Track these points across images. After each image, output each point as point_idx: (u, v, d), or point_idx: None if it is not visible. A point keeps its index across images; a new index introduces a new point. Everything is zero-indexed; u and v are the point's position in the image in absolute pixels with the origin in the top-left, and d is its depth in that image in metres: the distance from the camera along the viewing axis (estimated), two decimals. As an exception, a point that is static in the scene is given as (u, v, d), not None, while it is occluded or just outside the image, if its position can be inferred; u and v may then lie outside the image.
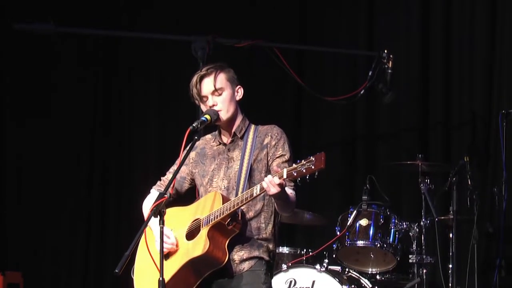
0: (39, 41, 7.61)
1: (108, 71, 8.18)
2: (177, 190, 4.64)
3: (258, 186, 4.20)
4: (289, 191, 4.36)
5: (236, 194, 4.38)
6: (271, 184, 4.11)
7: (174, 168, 4.67)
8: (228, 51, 6.46)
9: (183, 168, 4.61)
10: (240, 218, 4.38)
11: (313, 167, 4.02)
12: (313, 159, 4.02)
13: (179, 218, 4.49)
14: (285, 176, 4.09)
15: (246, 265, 4.40)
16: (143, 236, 4.31)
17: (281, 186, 4.12)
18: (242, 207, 4.36)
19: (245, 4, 7.83)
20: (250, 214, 4.44)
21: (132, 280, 4.58)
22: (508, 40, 7.06)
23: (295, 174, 4.06)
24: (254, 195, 4.22)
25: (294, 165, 4.08)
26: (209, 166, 4.56)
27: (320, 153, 4.03)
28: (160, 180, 4.74)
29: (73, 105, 8.12)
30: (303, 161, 4.06)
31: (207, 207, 4.39)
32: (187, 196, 4.72)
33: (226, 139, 4.57)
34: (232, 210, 4.27)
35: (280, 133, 4.52)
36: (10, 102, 8.16)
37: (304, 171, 4.04)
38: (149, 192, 4.76)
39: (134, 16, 8.09)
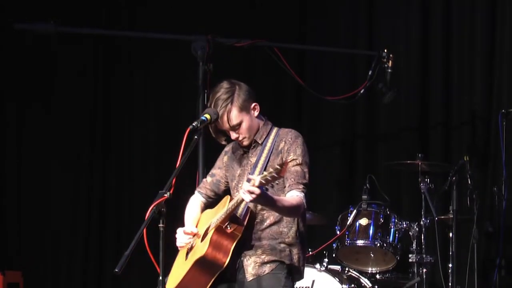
0: (39, 41, 7.63)
1: (107, 71, 8.18)
2: (215, 192, 4.77)
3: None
4: (296, 193, 4.41)
5: None
6: (244, 190, 4.15)
7: (212, 171, 4.80)
8: (228, 51, 6.46)
9: (218, 171, 4.74)
10: (245, 222, 4.43)
11: (276, 175, 4.04)
12: (279, 167, 4.03)
13: (204, 218, 4.65)
14: (257, 184, 4.10)
15: (267, 268, 4.44)
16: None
17: (254, 192, 4.12)
18: (263, 212, 4.47)
19: (245, 4, 7.83)
20: (272, 219, 4.50)
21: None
22: (508, 40, 7.06)
23: (263, 181, 4.08)
24: (238, 201, 4.29)
25: (264, 172, 4.10)
26: (235, 171, 4.65)
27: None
28: (202, 181, 4.87)
29: (73, 105, 8.13)
30: (270, 168, 4.08)
31: (219, 210, 4.50)
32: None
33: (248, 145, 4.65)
34: (227, 214, 4.35)
35: (294, 138, 4.55)
36: (10, 99, 8.18)
37: (270, 178, 4.06)
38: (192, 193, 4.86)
39: (134, 15, 8.10)
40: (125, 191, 8.05)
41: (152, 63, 8.06)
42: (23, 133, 8.17)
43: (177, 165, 4.37)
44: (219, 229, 4.37)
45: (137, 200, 7.80)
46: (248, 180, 4.16)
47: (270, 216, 4.49)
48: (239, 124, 4.51)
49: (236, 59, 7.25)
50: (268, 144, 4.55)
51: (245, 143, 4.60)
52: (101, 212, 8.10)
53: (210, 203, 4.76)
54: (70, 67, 8.13)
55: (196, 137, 4.37)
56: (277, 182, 4.25)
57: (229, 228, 4.38)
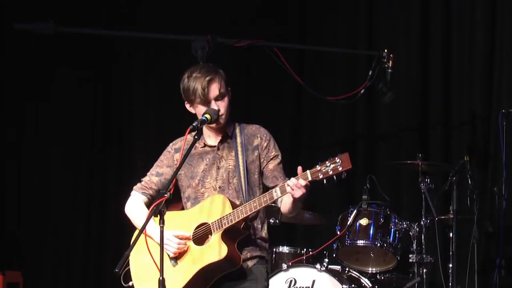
0: (39, 41, 7.63)
1: (107, 71, 8.18)
2: (159, 191, 4.57)
3: (278, 189, 4.23)
4: None
5: (243, 194, 4.42)
6: (296, 187, 4.14)
7: (157, 170, 4.66)
8: (227, 51, 6.46)
9: (167, 170, 4.61)
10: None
11: (340, 168, 4.02)
12: (339, 159, 4.02)
13: (180, 222, 4.48)
14: (310, 178, 4.10)
15: (249, 263, 4.46)
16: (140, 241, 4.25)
17: (307, 188, 4.13)
18: None
19: (245, 4, 7.82)
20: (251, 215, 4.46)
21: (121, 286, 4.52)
22: (508, 40, 7.07)
23: (320, 176, 4.06)
24: (275, 197, 4.25)
25: (318, 167, 4.07)
26: (197, 168, 4.56)
27: (344, 153, 4.03)
28: (141, 182, 4.72)
29: (73, 105, 8.12)
30: (326, 162, 4.06)
31: (214, 211, 4.39)
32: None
33: (212, 140, 4.57)
34: (250, 213, 4.30)
35: (268, 134, 4.58)
36: (10, 98, 8.18)
37: (330, 172, 4.04)
38: (129, 195, 4.74)
39: (134, 15, 8.09)
40: (125, 191, 8.03)
41: (152, 63, 8.06)
42: (23, 133, 8.16)
43: (177, 165, 4.37)
44: (231, 230, 4.31)
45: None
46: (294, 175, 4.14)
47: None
48: (224, 95, 4.45)
49: (236, 59, 7.24)
50: (238, 139, 4.52)
51: (222, 121, 4.45)
52: (101, 212, 8.09)
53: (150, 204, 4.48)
54: (69, 67, 8.12)
55: (196, 137, 4.37)
56: (257, 176, 4.34)
57: (245, 228, 4.35)
